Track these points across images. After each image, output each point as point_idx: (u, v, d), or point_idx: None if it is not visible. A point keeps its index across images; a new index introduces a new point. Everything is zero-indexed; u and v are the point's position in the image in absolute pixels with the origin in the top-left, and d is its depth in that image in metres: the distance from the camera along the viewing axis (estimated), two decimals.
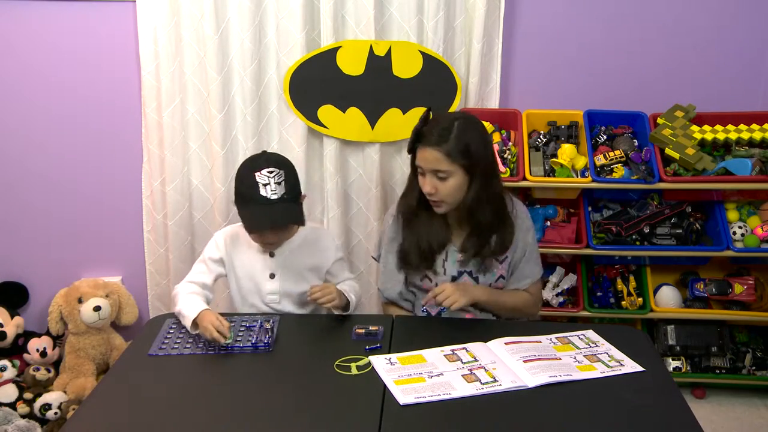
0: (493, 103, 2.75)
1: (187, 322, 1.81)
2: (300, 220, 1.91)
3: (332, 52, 2.59)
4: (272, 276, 2.00)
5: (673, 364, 2.67)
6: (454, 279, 1.99)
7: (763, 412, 2.65)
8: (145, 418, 1.47)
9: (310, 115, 2.65)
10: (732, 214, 2.64)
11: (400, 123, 2.68)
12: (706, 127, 2.63)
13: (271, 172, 1.86)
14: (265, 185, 1.84)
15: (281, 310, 2.01)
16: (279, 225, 1.91)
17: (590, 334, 1.81)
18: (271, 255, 2.00)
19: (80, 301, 2.70)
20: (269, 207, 1.85)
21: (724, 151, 2.63)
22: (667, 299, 2.67)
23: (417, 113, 2.66)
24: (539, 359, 1.66)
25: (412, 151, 1.88)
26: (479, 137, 1.87)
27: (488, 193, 1.89)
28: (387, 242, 2.06)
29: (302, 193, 1.98)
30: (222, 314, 1.84)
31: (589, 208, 2.68)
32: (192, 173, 2.73)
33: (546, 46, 2.77)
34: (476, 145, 1.84)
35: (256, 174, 1.85)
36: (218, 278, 2.05)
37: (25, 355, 2.72)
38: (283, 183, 1.86)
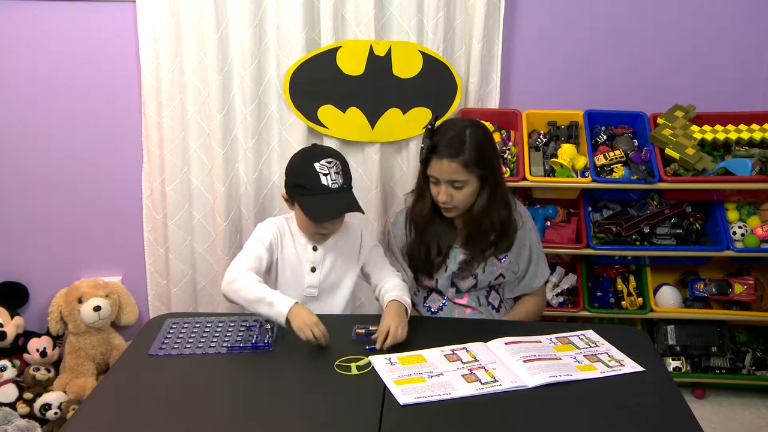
0: (493, 103, 2.75)
1: (276, 314, 1.76)
2: (360, 208, 1.92)
3: (332, 52, 2.59)
4: (313, 269, 1.99)
5: (673, 364, 2.67)
6: (454, 275, 2.01)
7: (763, 412, 2.65)
8: (145, 418, 1.47)
9: (310, 115, 2.65)
10: (732, 214, 2.64)
11: (400, 123, 2.68)
12: (706, 127, 2.63)
13: (330, 162, 1.87)
14: (325, 175, 1.86)
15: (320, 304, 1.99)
16: (344, 212, 1.92)
17: (590, 334, 1.81)
18: (315, 249, 1.99)
19: (80, 301, 2.70)
20: (331, 196, 1.86)
21: (724, 151, 2.63)
22: (667, 299, 2.67)
23: (417, 113, 2.66)
24: (539, 359, 1.66)
25: (426, 162, 1.89)
26: (490, 144, 1.93)
27: (496, 197, 1.93)
28: (390, 244, 2.07)
29: None
30: (223, 314, 1.83)
31: (589, 208, 2.69)
32: (192, 173, 2.73)
33: (546, 46, 2.77)
34: (488, 153, 1.90)
35: (316, 165, 1.86)
36: (269, 263, 1.99)
37: (25, 355, 2.72)
38: (341, 173, 1.88)
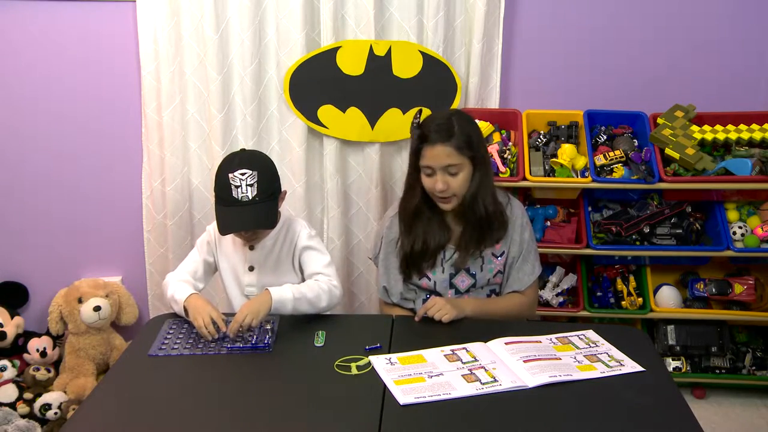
0: (493, 103, 2.75)
1: (179, 310, 1.86)
2: (267, 223, 1.92)
3: (332, 52, 2.59)
4: (251, 269, 2.02)
5: (673, 364, 2.67)
6: (452, 276, 2.01)
7: (763, 412, 2.65)
8: (145, 418, 1.47)
9: (310, 115, 2.65)
10: (732, 214, 2.64)
11: (400, 123, 2.68)
12: (706, 127, 2.63)
13: (243, 174, 1.86)
14: (237, 187, 1.86)
15: None
16: (245, 229, 1.92)
17: (590, 334, 1.81)
18: (251, 248, 2.02)
19: (80, 301, 2.70)
20: (239, 209, 1.87)
21: (724, 151, 2.63)
22: (667, 299, 2.67)
23: None
24: (539, 359, 1.66)
25: (417, 152, 1.90)
26: (476, 129, 1.96)
27: (486, 184, 1.95)
28: (386, 243, 2.07)
29: (281, 190, 1.98)
30: (223, 314, 1.83)
31: (589, 208, 2.68)
32: (192, 173, 2.74)
33: (546, 46, 2.77)
34: (476, 137, 1.93)
35: (230, 175, 1.86)
36: (209, 266, 2.07)
37: (25, 355, 2.72)
38: (255, 185, 1.87)
